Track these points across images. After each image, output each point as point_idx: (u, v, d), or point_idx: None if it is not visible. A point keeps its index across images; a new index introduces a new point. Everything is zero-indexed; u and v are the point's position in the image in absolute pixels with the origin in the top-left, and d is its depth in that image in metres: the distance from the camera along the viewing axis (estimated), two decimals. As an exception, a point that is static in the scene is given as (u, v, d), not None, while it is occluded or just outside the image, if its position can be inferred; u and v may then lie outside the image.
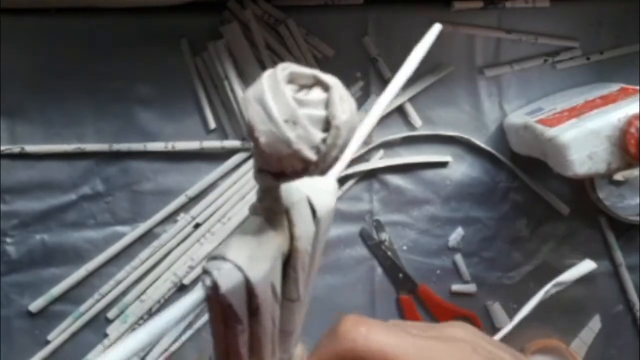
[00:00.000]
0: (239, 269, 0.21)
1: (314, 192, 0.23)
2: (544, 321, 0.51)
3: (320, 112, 0.20)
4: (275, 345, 0.25)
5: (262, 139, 0.19)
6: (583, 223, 0.53)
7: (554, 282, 0.42)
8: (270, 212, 0.23)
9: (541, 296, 0.41)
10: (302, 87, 0.20)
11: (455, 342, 0.26)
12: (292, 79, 0.20)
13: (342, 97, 0.20)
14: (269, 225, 0.23)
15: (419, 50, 0.29)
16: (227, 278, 0.20)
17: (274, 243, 0.22)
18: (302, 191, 0.23)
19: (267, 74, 0.20)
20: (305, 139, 0.19)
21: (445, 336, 0.27)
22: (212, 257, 0.21)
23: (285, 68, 0.20)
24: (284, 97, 0.19)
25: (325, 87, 0.20)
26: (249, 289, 0.21)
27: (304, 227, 0.23)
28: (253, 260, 0.21)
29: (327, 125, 0.20)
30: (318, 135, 0.19)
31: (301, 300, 0.25)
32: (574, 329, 0.53)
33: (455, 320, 0.29)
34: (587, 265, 0.45)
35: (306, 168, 0.20)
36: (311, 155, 0.19)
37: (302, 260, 0.24)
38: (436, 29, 0.30)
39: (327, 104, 0.20)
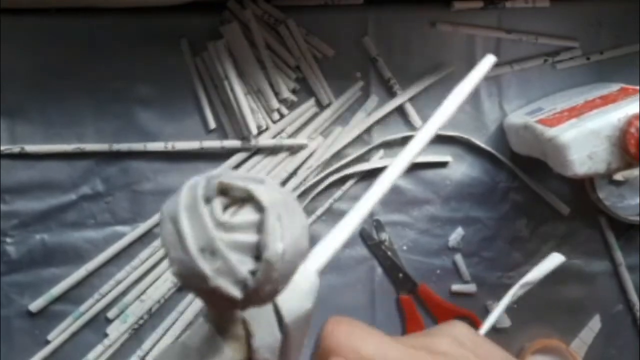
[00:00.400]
0: None
1: (284, 293, 0.19)
2: (544, 321, 0.52)
3: (250, 238, 0.16)
4: None
5: (174, 268, 0.15)
6: (583, 223, 0.53)
7: (520, 282, 0.38)
8: (218, 321, 0.19)
9: (508, 300, 0.38)
10: (235, 200, 0.16)
11: (437, 356, 0.26)
12: (223, 190, 0.16)
13: (281, 218, 0.16)
14: (218, 336, 0.19)
15: (469, 82, 0.25)
16: None
17: (223, 358, 0.19)
18: None
19: (187, 185, 0.16)
20: (226, 273, 0.15)
21: (430, 347, 0.26)
22: None
23: (213, 178, 0.16)
24: (202, 220, 0.15)
25: (259, 207, 0.16)
26: None
27: (264, 338, 0.19)
28: None
29: (259, 252, 0.16)
30: (245, 267, 0.15)
31: None
32: (574, 329, 0.53)
33: (452, 323, 0.28)
34: (555, 259, 0.40)
35: (233, 304, 0.16)
36: (235, 293, 0.15)
37: None
38: (489, 60, 0.26)
39: (260, 228, 0.16)
